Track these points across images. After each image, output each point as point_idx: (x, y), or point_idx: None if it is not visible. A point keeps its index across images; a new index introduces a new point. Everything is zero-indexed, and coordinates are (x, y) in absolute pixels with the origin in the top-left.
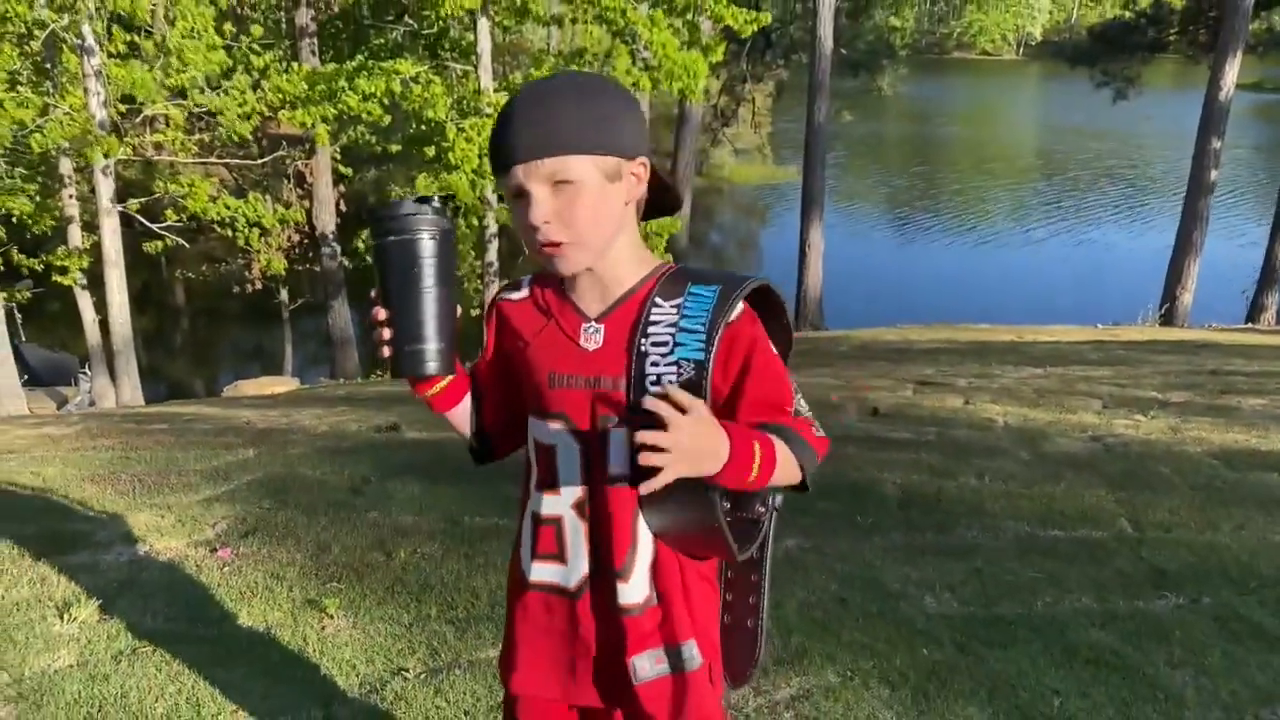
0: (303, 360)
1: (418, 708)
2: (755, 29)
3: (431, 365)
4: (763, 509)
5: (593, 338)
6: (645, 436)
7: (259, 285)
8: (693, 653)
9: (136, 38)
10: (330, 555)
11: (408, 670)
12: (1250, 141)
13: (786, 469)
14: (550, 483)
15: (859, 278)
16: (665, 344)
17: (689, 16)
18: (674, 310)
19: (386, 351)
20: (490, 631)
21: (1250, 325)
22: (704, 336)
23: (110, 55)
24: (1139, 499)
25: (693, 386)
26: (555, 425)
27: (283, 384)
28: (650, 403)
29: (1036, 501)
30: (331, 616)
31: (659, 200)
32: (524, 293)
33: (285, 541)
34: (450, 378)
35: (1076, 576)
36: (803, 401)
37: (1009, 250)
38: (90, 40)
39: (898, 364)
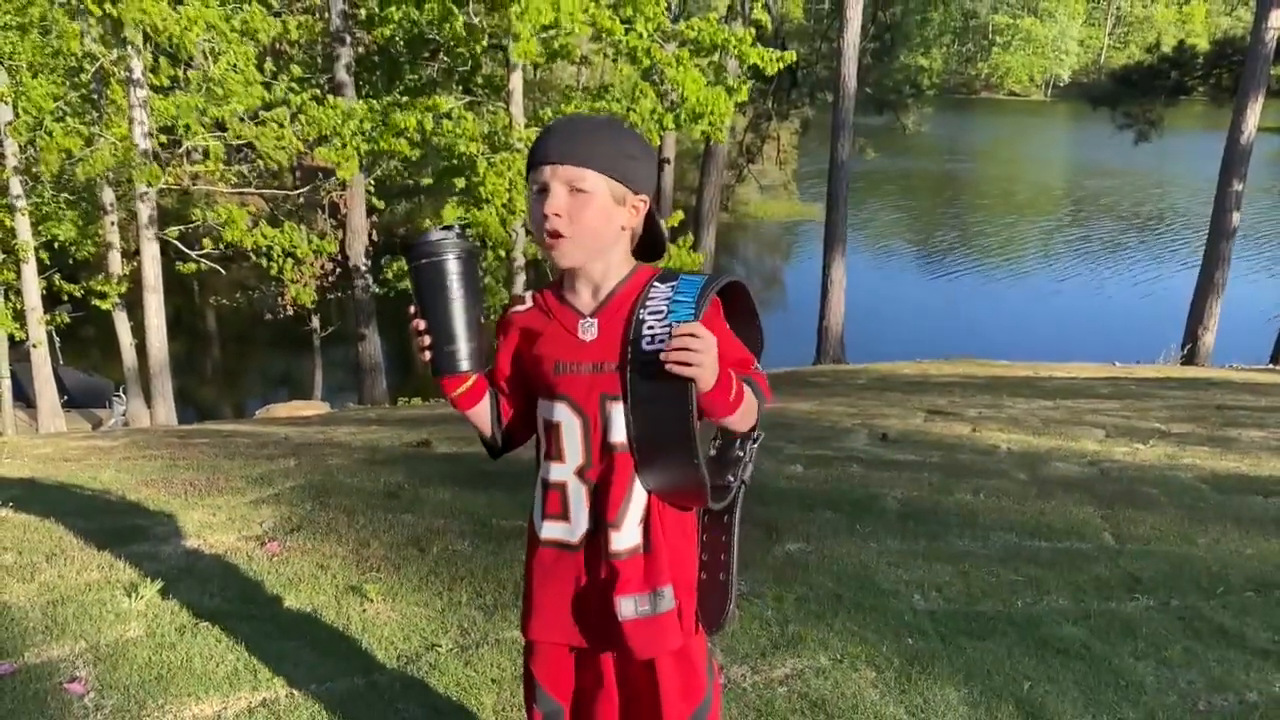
0: (331, 387)
1: (450, 676)
2: (781, 67)
3: (464, 363)
4: (732, 479)
5: (589, 330)
6: (682, 340)
7: (290, 313)
8: (668, 595)
9: (179, 71)
10: (369, 550)
11: (440, 646)
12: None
13: (749, 405)
14: (557, 454)
15: (881, 313)
16: (660, 312)
17: (715, 57)
18: (669, 290)
19: (427, 355)
20: (515, 616)
21: (1272, 366)
22: (693, 305)
23: (154, 88)
24: (1123, 515)
25: None
26: (560, 405)
27: (313, 407)
28: (688, 326)
29: (1027, 516)
30: (372, 601)
31: (650, 243)
32: (528, 304)
33: (328, 537)
34: (473, 379)
35: (1056, 580)
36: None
37: (1031, 288)
38: (138, 73)
39: (912, 395)
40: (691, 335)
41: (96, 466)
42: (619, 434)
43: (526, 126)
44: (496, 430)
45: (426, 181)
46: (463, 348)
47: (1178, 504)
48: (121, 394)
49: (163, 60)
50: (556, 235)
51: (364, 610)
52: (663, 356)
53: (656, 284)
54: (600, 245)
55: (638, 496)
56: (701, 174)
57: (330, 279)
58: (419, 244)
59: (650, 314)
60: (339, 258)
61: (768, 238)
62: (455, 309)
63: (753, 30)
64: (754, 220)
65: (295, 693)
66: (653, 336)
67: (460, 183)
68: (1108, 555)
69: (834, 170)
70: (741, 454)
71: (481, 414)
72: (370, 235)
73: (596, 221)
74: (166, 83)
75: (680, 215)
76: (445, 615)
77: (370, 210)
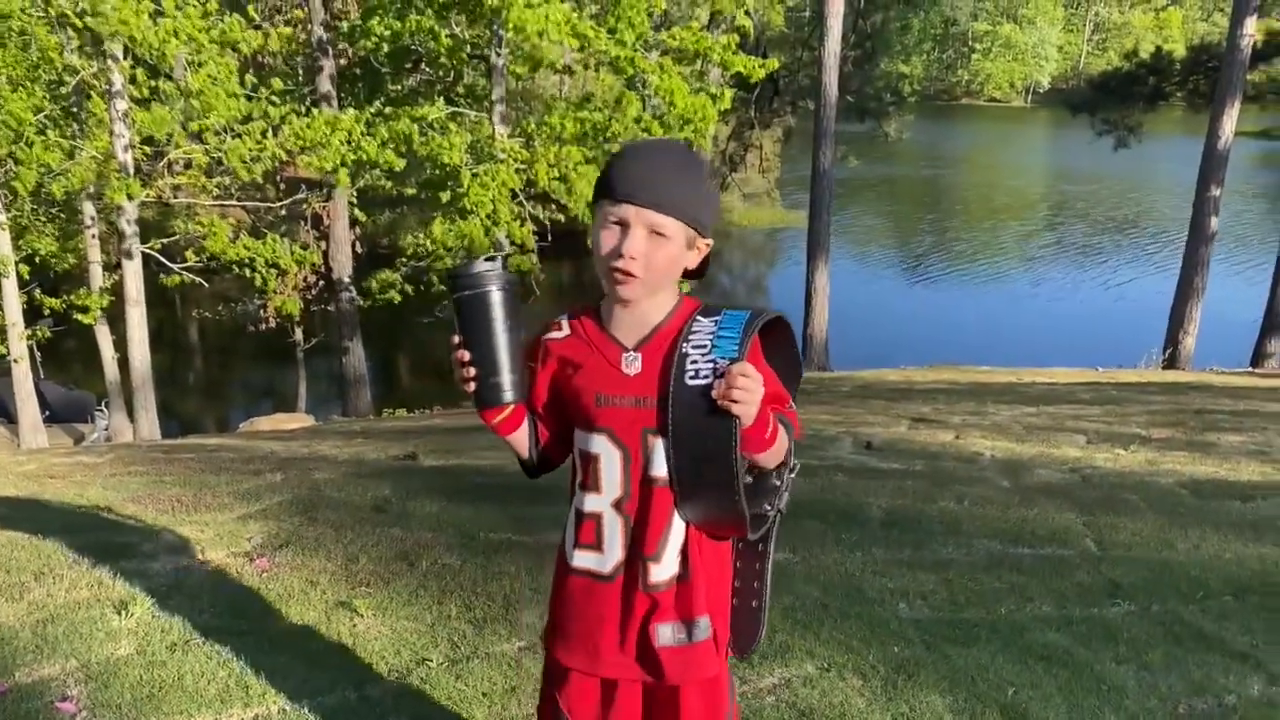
0: (315, 399)
1: (441, 690)
2: (764, 74)
3: (509, 394)
4: (769, 508)
5: (633, 364)
6: (735, 379)
7: (273, 325)
8: (705, 624)
9: (160, 83)
10: (359, 565)
11: (431, 660)
12: (1258, 189)
13: (780, 444)
14: (594, 485)
15: (864, 320)
16: (704, 346)
17: (698, 65)
18: (712, 324)
19: (471, 387)
20: (505, 629)
21: (1251, 369)
22: (738, 342)
23: (135, 100)
24: (1104, 522)
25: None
26: (600, 438)
27: (297, 420)
28: (741, 366)
29: (1010, 523)
30: (362, 616)
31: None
32: (566, 331)
33: (317, 553)
34: (513, 407)
35: (1038, 587)
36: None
37: (1013, 293)
38: (118, 85)
39: (896, 402)
40: (744, 375)
41: (82, 483)
42: (660, 468)
43: (509, 136)
44: (534, 453)
45: (410, 192)
46: (507, 378)
47: (1158, 510)
48: (104, 408)
49: (140, 72)
50: (628, 274)
51: (354, 625)
52: (715, 393)
53: (700, 318)
54: (663, 284)
55: (677, 528)
56: None
57: (313, 291)
58: (463, 275)
59: (694, 348)
60: (322, 269)
61: (751, 245)
62: (500, 341)
63: (735, 37)
64: (737, 228)
65: (287, 708)
66: (696, 371)
67: (445, 196)
68: (1089, 561)
69: (816, 178)
70: (779, 483)
71: (521, 439)
72: (354, 246)
73: (668, 264)
74: (147, 94)
75: None
76: (435, 629)
77: (353, 222)
